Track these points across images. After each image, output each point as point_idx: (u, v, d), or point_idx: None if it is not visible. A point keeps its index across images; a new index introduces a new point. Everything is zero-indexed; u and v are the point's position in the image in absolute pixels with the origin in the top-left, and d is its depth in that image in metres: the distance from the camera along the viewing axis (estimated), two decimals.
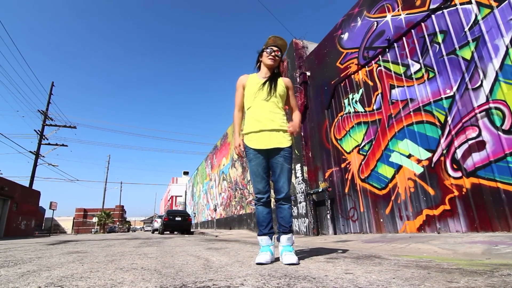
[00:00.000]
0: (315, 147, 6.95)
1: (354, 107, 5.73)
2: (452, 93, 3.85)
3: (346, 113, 5.95)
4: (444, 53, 4.00)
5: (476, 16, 3.64)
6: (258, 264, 1.82)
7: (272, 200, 2.08)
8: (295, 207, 7.28)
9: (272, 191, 2.06)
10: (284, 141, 2.03)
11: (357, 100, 5.65)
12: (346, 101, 5.98)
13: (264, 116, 2.04)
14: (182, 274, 1.57)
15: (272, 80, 2.14)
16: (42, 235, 21.64)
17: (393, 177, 4.67)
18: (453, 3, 3.93)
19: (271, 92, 2.08)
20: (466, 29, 3.73)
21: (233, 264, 1.93)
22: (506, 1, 3.34)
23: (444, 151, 3.89)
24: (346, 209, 5.73)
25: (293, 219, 7.36)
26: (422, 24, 4.35)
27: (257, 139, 2.03)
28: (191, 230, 15.50)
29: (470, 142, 3.59)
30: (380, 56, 5.14)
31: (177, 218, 13.64)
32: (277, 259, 2.05)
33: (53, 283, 1.43)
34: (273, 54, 2.14)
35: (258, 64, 2.26)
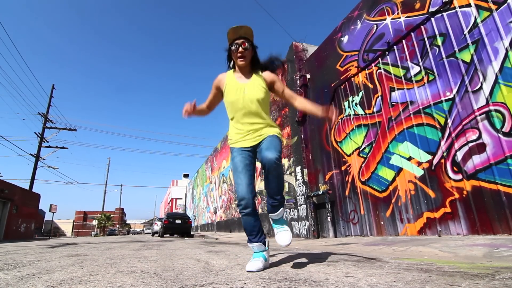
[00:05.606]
0: (315, 150, 6.95)
1: (354, 110, 5.74)
2: (452, 96, 3.86)
3: (346, 116, 5.95)
4: (443, 55, 4.01)
5: (475, 19, 3.65)
6: (248, 272, 1.68)
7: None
8: (296, 210, 7.26)
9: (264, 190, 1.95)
10: (270, 131, 1.93)
11: (357, 102, 5.65)
12: (346, 103, 5.99)
13: (248, 128, 1.93)
14: (182, 278, 1.57)
15: (250, 86, 1.92)
16: (42, 238, 21.59)
17: (394, 179, 4.67)
18: (452, 6, 3.95)
19: (252, 101, 1.89)
20: (466, 32, 3.75)
21: (234, 267, 1.92)
22: (505, 4, 3.35)
23: (445, 154, 3.89)
24: (346, 212, 5.72)
25: (293, 222, 7.34)
26: (422, 27, 4.37)
27: (242, 141, 1.93)
28: (191, 233, 15.44)
29: (470, 144, 3.59)
30: (380, 59, 5.16)
31: (177, 221, 13.61)
32: (273, 264, 2.05)
33: (53, 286, 1.43)
34: (240, 50, 1.89)
35: (232, 62, 2.02)
